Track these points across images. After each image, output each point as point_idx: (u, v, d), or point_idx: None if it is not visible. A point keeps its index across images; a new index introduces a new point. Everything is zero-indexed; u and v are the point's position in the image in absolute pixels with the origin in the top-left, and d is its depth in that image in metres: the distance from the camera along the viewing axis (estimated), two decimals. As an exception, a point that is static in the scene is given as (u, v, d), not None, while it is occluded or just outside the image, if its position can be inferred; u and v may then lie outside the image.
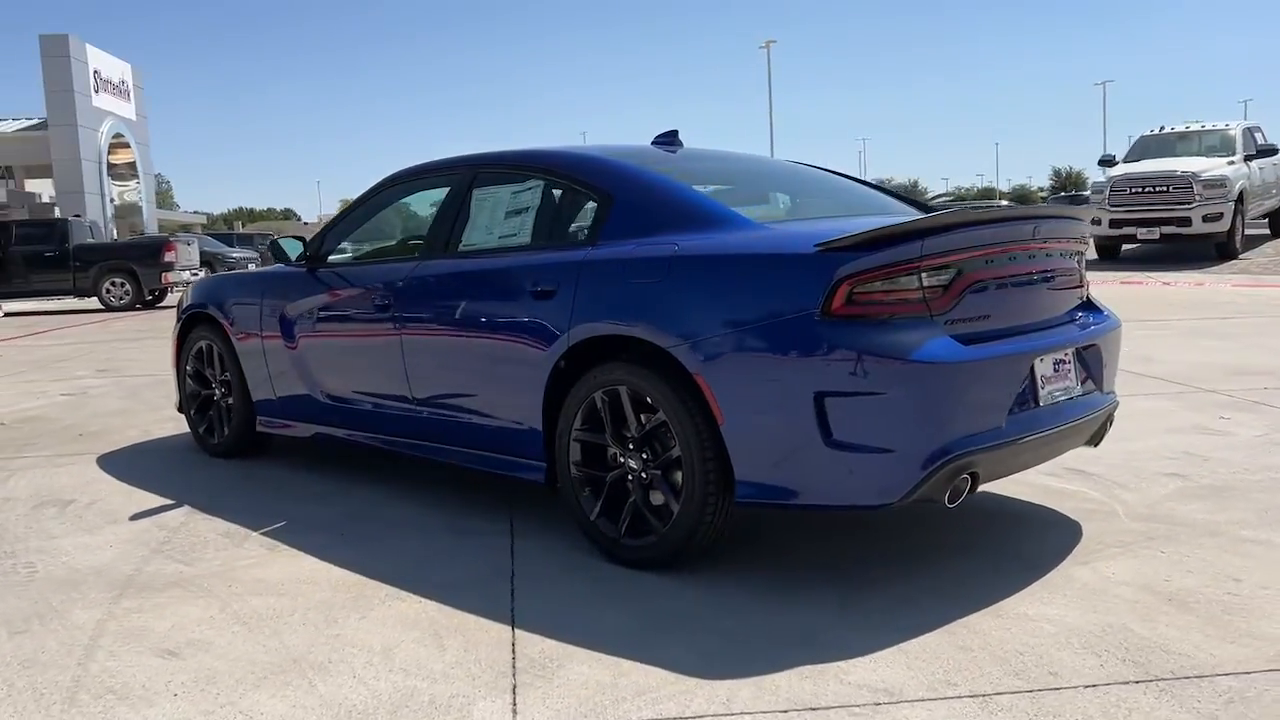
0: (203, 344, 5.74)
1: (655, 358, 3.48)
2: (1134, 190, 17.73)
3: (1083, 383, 3.68)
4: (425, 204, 4.95)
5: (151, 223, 43.49)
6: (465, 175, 4.55)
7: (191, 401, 5.90)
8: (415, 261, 4.56)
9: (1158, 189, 17.46)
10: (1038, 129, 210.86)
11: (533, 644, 3.03)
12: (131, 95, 42.62)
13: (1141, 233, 17.83)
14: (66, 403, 8.08)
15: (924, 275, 3.19)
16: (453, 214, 4.50)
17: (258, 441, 5.61)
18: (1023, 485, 4.55)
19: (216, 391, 5.68)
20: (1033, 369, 3.42)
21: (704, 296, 3.42)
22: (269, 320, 5.22)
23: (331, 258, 5.11)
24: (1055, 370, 3.54)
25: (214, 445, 5.74)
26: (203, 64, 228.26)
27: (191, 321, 5.83)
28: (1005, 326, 3.43)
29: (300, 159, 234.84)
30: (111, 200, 40.11)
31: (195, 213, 71.29)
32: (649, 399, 3.49)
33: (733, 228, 3.59)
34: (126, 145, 41.85)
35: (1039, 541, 3.83)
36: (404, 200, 5.16)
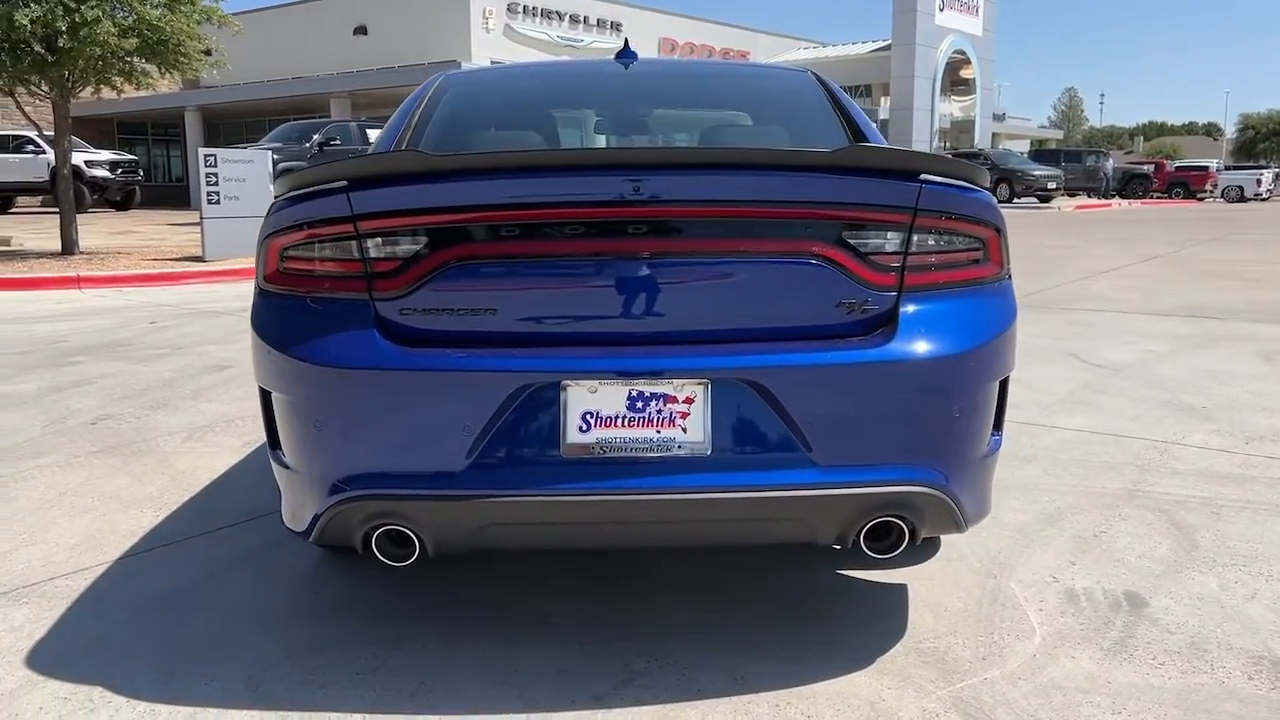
0: None
1: None
2: None
3: (738, 438, 2.22)
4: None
5: (985, 137, 44.48)
6: None
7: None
8: None
9: None
10: None
11: None
12: (980, 10, 43.54)
13: None
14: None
15: (368, 241, 2.29)
16: None
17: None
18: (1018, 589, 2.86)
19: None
20: (559, 398, 2.21)
21: None
22: None
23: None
24: (635, 408, 2.21)
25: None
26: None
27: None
28: (521, 330, 2.26)
29: (1207, 66, 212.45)
30: (943, 116, 41.97)
31: (1041, 124, 70.43)
32: None
33: None
34: (968, 61, 43.12)
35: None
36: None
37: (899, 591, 2.88)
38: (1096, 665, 2.45)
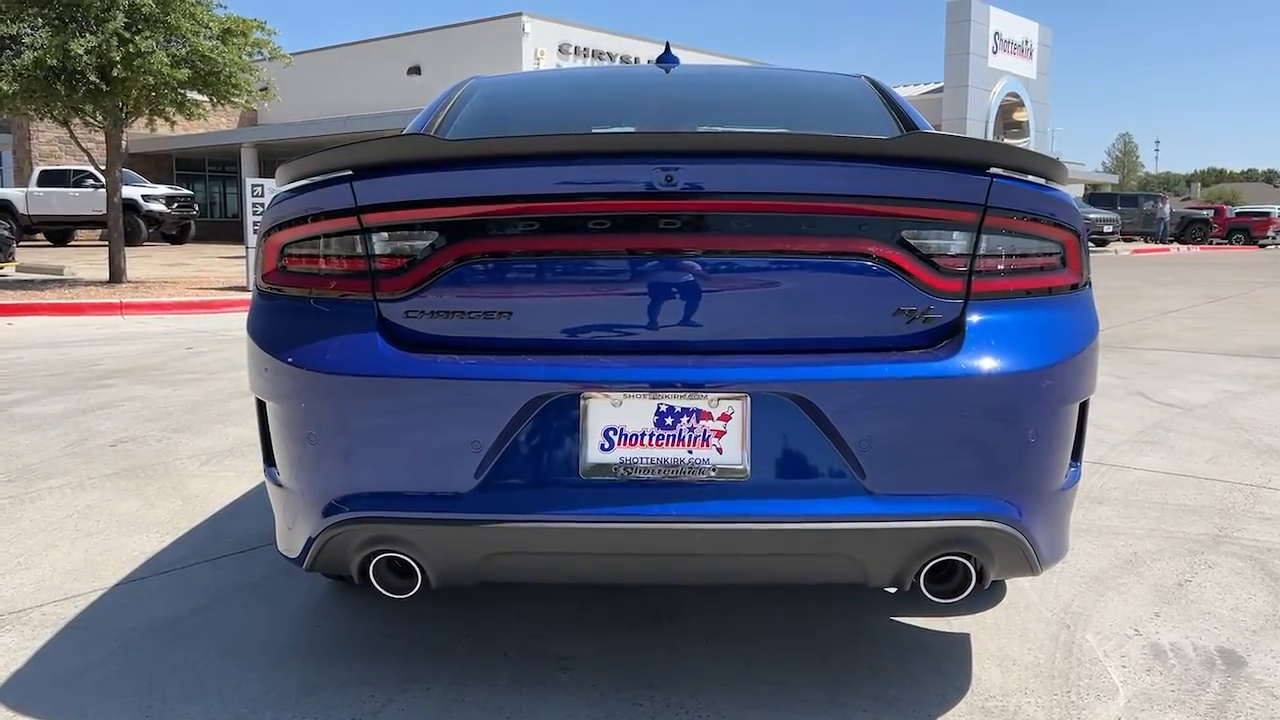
0: None
1: None
2: None
3: (780, 461, 1.95)
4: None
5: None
6: None
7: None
8: None
9: None
10: None
11: None
12: (1034, 54, 43.11)
13: None
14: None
15: (373, 236, 2.07)
16: None
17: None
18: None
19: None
20: (578, 412, 1.96)
21: None
22: None
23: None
24: (663, 424, 1.96)
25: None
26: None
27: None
28: (537, 336, 2.02)
29: (1267, 113, 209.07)
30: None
31: (1095, 169, 69.64)
32: None
33: None
34: (1021, 104, 42.66)
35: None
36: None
37: (958, 642, 2.58)
38: None
